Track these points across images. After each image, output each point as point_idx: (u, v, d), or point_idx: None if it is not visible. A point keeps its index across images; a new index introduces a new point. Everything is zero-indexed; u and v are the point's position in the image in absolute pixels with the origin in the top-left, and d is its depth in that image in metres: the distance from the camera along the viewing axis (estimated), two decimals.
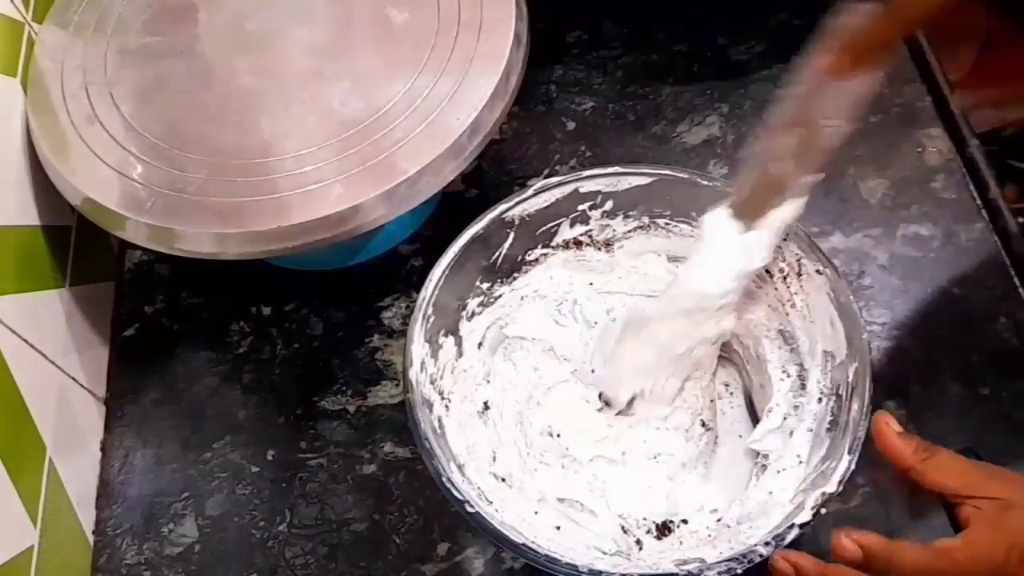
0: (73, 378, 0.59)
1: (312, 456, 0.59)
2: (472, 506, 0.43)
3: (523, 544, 0.43)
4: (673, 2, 0.75)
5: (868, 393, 0.45)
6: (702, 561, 0.42)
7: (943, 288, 0.60)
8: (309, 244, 0.52)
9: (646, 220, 0.56)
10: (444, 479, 0.44)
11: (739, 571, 0.41)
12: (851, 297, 0.48)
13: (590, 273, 0.59)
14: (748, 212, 0.48)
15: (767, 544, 0.42)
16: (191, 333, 0.64)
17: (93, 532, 0.57)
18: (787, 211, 0.48)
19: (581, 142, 0.69)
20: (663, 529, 0.51)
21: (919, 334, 0.59)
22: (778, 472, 0.50)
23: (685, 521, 0.51)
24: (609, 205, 0.55)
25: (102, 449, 0.60)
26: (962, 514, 0.40)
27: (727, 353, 0.57)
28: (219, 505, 0.58)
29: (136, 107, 0.56)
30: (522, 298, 0.58)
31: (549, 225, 0.56)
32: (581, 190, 0.54)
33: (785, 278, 0.52)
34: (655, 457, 0.54)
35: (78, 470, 0.57)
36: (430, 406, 0.49)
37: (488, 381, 0.56)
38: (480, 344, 0.56)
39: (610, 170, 0.53)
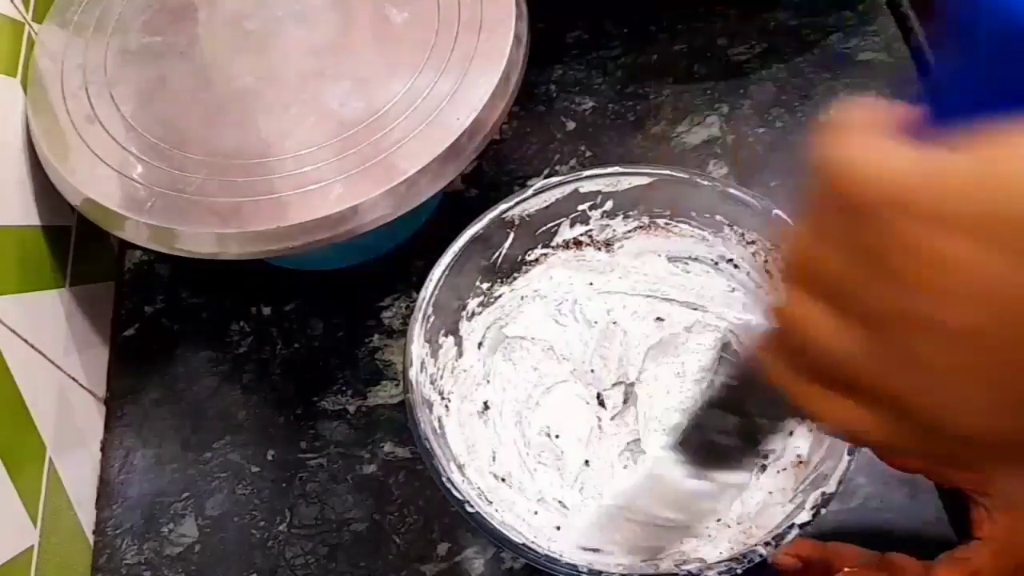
0: (73, 378, 0.59)
1: (312, 456, 0.59)
2: (472, 506, 0.43)
3: (523, 544, 0.43)
4: (673, 2, 0.75)
5: None
6: (702, 561, 0.42)
7: None
8: (309, 244, 0.52)
9: (646, 220, 0.56)
10: (444, 479, 0.44)
11: (739, 571, 0.41)
12: None
13: (590, 273, 0.59)
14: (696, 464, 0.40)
15: (767, 544, 0.42)
16: (191, 333, 0.64)
17: (93, 532, 0.58)
18: (732, 479, 0.41)
19: (581, 142, 0.69)
20: None
21: None
22: (778, 472, 0.50)
23: None
24: (609, 205, 0.55)
25: (102, 449, 0.60)
26: (974, 516, 0.39)
27: (729, 355, 0.57)
28: (219, 505, 0.58)
29: (136, 107, 0.56)
30: (522, 298, 0.58)
31: (549, 225, 0.56)
32: (581, 190, 0.54)
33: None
34: (655, 457, 0.54)
35: (78, 470, 0.57)
36: (430, 406, 0.49)
37: (488, 381, 0.56)
38: (480, 344, 0.56)
39: (610, 170, 0.54)
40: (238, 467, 0.59)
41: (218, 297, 0.65)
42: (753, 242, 0.53)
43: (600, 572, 0.41)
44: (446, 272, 0.51)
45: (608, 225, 0.57)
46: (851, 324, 0.23)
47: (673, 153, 0.68)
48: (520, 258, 0.56)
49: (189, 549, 0.56)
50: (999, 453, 0.22)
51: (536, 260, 0.57)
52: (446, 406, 0.52)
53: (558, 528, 0.51)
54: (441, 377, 0.52)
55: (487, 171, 0.68)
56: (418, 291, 0.51)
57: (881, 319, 0.22)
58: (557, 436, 0.54)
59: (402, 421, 0.59)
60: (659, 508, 0.43)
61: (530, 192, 0.53)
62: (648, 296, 0.58)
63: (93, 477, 0.59)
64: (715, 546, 0.45)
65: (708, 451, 0.37)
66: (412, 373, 0.48)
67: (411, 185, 0.52)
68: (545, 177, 0.68)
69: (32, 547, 0.51)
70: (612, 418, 0.56)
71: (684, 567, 0.42)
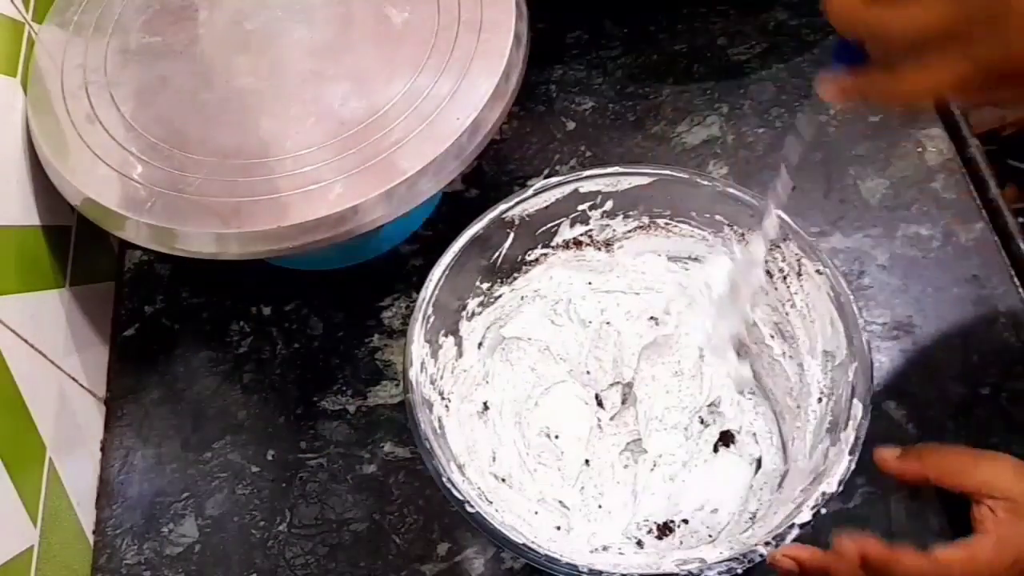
0: (73, 378, 0.59)
1: (312, 456, 0.59)
2: (472, 506, 0.43)
3: (523, 544, 0.43)
4: (673, 2, 0.75)
5: (868, 393, 0.45)
6: (702, 561, 0.42)
7: (943, 288, 0.60)
8: (309, 244, 0.52)
9: (646, 220, 0.56)
10: (444, 479, 0.44)
11: (739, 571, 0.41)
12: (851, 297, 0.48)
13: (590, 273, 0.59)
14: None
15: (767, 544, 0.42)
16: (191, 333, 0.64)
17: (93, 532, 0.58)
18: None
19: (581, 142, 0.69)
20: (664, 529, 0.51)
21: (919, 334, 0.59)
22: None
23: (686, 521, 0.51)
24: (609, 205, 0.55)
25: (102, 449, 0.60)
26: (976, 514, 0.40)
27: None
28: (219, 505, 0.58)
29: (136, 107, 0.56)
30: (522, 298, 0.58)
31: (549, 225, 0.56)
32: (581, 190, 0.54)
33: (785, 278, 0.52)
34: (656, 457, 0.54)
35: (78, 470, 0.57)
36: (430, 406, 0.49)
37: (487, 381, 0.56)
38: (480, 344, 0.56)
39: (610, 170, 0.53)
40: (238, 467, 0.59)
41: (218, 297, 0.65)
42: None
43: (600, 572, 0.41)
44: (446, 272, 0.51)
45: (608, 225, 0.57)
46: None
47: (673, 153, 0.68)
48: (520, 258, 0.56)
49: (189, 549, 0.56)
50: None
51: (536, 260, 0.57)
52: (446, 406, 0.52)
53: (558, 528, 0.51)
54: (441, 377, 0.52)
55: (487, 171, 0.68)
56: (418, 291, 0.51)
57: None
58: (557, 436, 0.54)
59: (402, 421, 0.59)
60: None
61: (530, 192, 0.53)
62: (644, 295, 0.58)
63: (93, 477, 0.59)
64: (715, 546, 0.45)
65: None
66: (412, 373, 0.48)
67: (411, 185, 0.52)
68: (545, 177, 0.68)
69: (32, 547, 0.51)
70: (611, 418, 0.56)
71: (685, 567, 0.42)
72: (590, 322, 0.58)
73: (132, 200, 0.52)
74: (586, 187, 0.54)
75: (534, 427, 0.55)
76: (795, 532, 0.42)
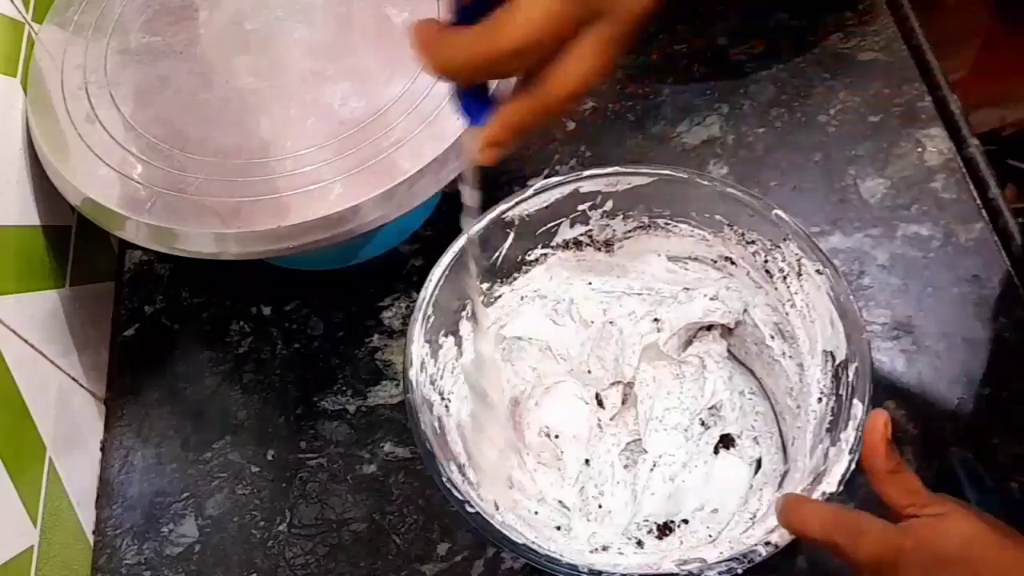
0: (73, 378, 0.59)
1: (312, 456, 0.59)
2: (472, 506, 0.43)
3: (523, 544, 0.43)
4: (673, 2, 0.75)
5: (868, 393, 0.45)
6: (702, 561, 0.42)
7: (943, 288, 0.60)
8: (309, 244, 0.52)
9: (646, 220, 0.56)
10: (444, 479, 0.44)
11: (739, 571, 0.41)
12: (851, 297, 0.48)
13: (589, 273, 0.58)
14: None
15: (767, 544, 0.42)
16: (191, 333, 0.64)
17: (93, 532, 0.58)
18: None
19: (581, 142, 0.69)
20: (664, 529, 0.51)
21: (919, 334, 0.59)
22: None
23: (686, 521, 0.51)
24: (609, 205, 0.55)
25: (102, 449, 0.60)
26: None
27: (743, 358, 0.57)
28: (219, 505, 0.58)
29: (136, 107, 0.56)
30: (522, 298, 0.58)
31: (549, 225, 0.56)
32: (581, 190, 0.54)
33: (785, 278, 0.52)
34: (656, 458, 0.54)
35: (78, 470, 0.57)
36: (430, 406, 0.49)
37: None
38: None
39: (610, 170, 0.53)
40: (238, 467, 0.59)
41: (218, 297, 0.65)
42: (753, 242, 0.53)
43: (600, 572, 0.41)
44: (446, 272, 0.51)
45: (608, 225, 0.57)
46: None
47: (673, 153, 0.68)
48: (520, 258, 0.56)
49: (189, 549, 0.56)
50: None
51: (536, 260, 0.57)
52: (446, 406, 0.51)
53: (558, 528, 0.51)
54: (441, 377, 0.52)
55: (487, 171, 0.68)
56: (418, 291, 0.51)
57: None
58: (557, 436, 0.54)
59: (402, 421, 0.59)
60: None
61: (530, 192, 0.53)
62: (645, 295, 0.58)
63: (93, 477, 0.59)
64: (715, 546, 0.45)
65: None
66: (412, 373, 0.48)
67: (411, 185, 0.52)
68: (545, 177, 0.67)
69: (32, 547, 0.51)
70: (612, 418, 0.56)
71: (685, 567, 0.42)
72: (592, 322, 0.58)
73: (132, 200, 0.52)
74: (586, 187, 0.54)
75: (534, 427, 0.55)
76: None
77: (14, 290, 0.53)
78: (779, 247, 0.51)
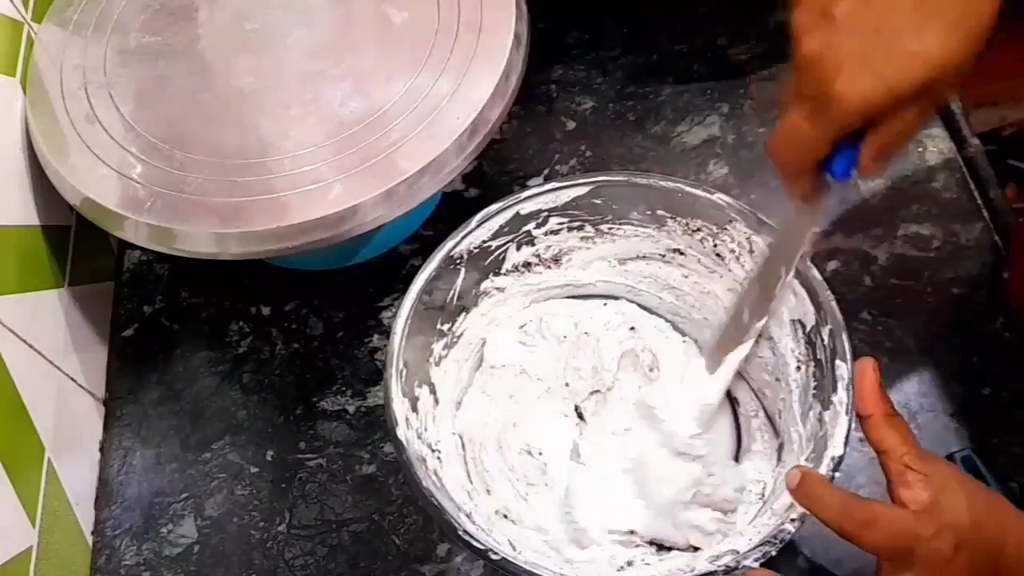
0: (72, 378, 0.59)
1: (312, 456, 0.59)
2: (496, 553, 0.43)
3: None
4: (673, 2, 0.75)
5: (849, 352, 0.45)
6: (735, 552, 0.42)
7: (943, 288, 0.60)
8: (308, 244, 0.52)
9: (591, 231, 0.56)
10: (460, 532, 0.43)
11: (773, 552, 0.41)
12: (809, 263, 0.48)
13: (541, 292, 0.58)
14: (713, 355, 0.52)
15: (793, 520, 0.42)
16: (190, 333, 0.64)
17: (92, 533, 0.57)
18: (741, 352, 0.52)
19: (581, 142, 0.69)
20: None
21: (920, 334, 0.59)
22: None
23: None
24: (552, 222, 0.55)
25: (101, 449, 0.60)
26: (897, 497, 0.41)
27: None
28: (218, 505, 0.57)
29: (135, 107, 0.56)
30: (484, 329, 0.57)
31: (496, 253, 0.55)
32: (522, 212, 0.54)
33: (738, 258, 0.52)
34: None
35: (77, 470, 0.57)
36: (424, 462, 0.47)
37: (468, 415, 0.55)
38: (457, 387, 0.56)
39: (547, 187, 0.53)
40: (237, 467, 0.59)
41: (217, 297, 0.65)
42: (699, 229, 0.53)
43: None
44: (408, 320, 0.50)
45: (554, 242, 0.56)
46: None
47: (673, 153, 0.68)
48: (474, 291, 0.56)
49: (188, 550, 0.56)
50: None
51: (488, 292, 0.56)
52: (439, 458, 0.51)
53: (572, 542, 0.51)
54: (425, 429, 0.51)
55: (487, 171, 0.68)
56: None
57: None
58: (540, 453, 0.54)
59: None
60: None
61: (474, 224, 0.52)
62: (613, 304, 0.58)
63: (92, 477, 0.59)
64: (742, 534, 0.45)
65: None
66: (400, 432, 0.47)
67: (411, 185, 0.52)
68: (545, 177, 0.68)
69: (31, 548, 0.51)
70: (591, 424, 0.55)
71: (719, 561, 0.42)
72: (565, 337, 0.57)
73: (131, 200, 0.52)
74: (527, 208, 0.54)
75: (514, 448, 0.54)
76: None
77: (13, 290, 0.53)
78: (726, 229, 0.52)
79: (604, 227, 0.56)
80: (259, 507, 0.57)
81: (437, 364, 0.54)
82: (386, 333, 0.62)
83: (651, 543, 0.51)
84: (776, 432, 0.52)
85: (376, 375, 0.61)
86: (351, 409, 0.60)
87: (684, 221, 0.53)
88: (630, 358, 0.56)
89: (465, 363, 0.56)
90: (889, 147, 0.40)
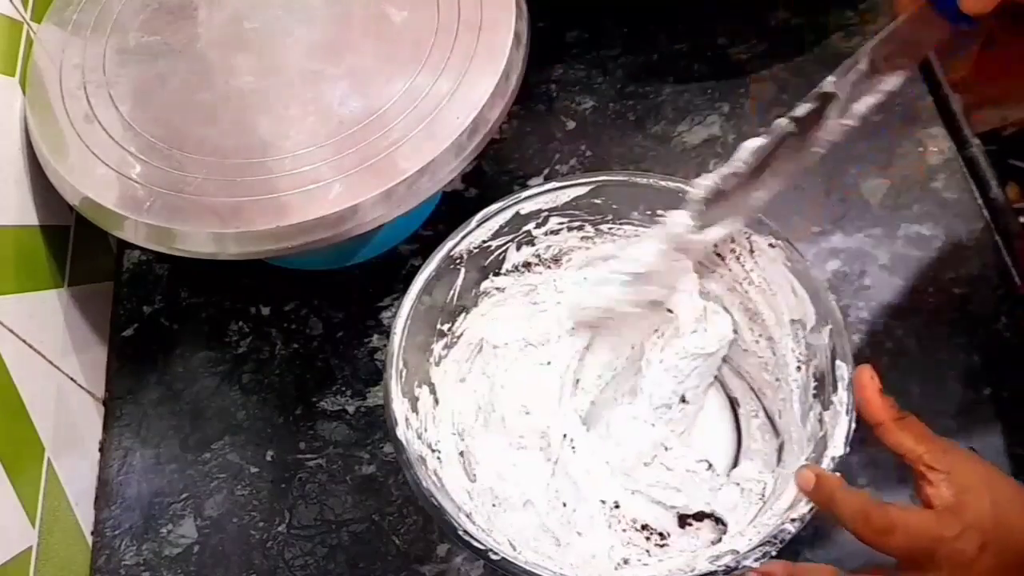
0: (72, 378, 0.59)
1: (311, 456, 0.58)
2: (496, 553, 0.43)
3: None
4: (673, 2, 0.75)
5: (849, 352, 0.45)
6: (735, 552, 0.42)
7: (944, 288, 0.60)
8: (308, 244, 0.51)
9: (591, 231, 0.56)
10: (460, 532, 0.43)
11: (774, 553, 0.41)
12: (808, 264, 0.48)
13: (543, 292, 0.58)
14: (705, 218, 0.50)
15: (793, 520, 0.42)
16: (190, 333, 0.64)
17: (92, 533, 0.57)
18: (736, 224, 0.50)
19: (581, 142, 0.69)
20: (683, 522, 0.51)
21: (920, 334, 0.59)
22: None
23: (689, 522, 0.51)
24: (552, 222, 0.55)
25: (101, 449, 0.60)
26: (921, 494, 0.41)
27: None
28: (218, 506, 0.57)
29: (135, 106, 0.56)
30: (484, 329, 0.57)
31: (496, 253, 0.55)
32: (522, 212, 0.54)
33: (738, 258, 0.52)
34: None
35: (77, 470, 0.57)
36: (424, 462, 0.48)
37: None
38: (462, 380, 0.56)
39: (547, 187, 0.53)
40: (237, 467, 0.59)
41: (217, 297, 0.65)
42: None
43: None
44: (408, 320, 0.50)
45: (554, 241, 0.56)
46: None
47: (673, 153, 0.68)
48: (474, 291, 0.56)
49: (188, 550, 0.56)
50: None
51: (488, 292, 0.56)
52: (439, 458, 0.51)
53: (558, 545, 0.51)
54: (425, 430, 0.51)
55: (487, 171, 0.68)
56: None
57: None
58: (528, 413, 0.54)
59: None
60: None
61: (473, 224, 0.53)
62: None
63: (92, 477, 0.59)
64: (742, 534, 0.45)
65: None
66: (400, 432, 0.47)
67: (411, 185, 0.52)
68: (545, 177, 0.67)
69: (31, 548, 0.51)
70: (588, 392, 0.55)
71: (719, 562, 0.42)
72: (585, 278, 0.57)
73: (131, 200, 0.52)
74: (527, 208, 0.54)
75: (509, 409, 0.54)
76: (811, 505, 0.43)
77: (13, 290, 0.53)
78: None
79: (604, 227, 0.56)
80: (259, 507, 0.57)
81: (437, 364, 0.54)
82: (386, 333, 0.62)
83: (643, 528, 0.51)
84: (776, 432, 0.52)
85: (376, 375, 0.61)
86: (351, 409, 0.60)
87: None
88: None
89: (465, 363, 0.56)
90: None
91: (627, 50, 0.73)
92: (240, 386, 0.61)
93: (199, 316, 0.64)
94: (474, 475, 0.53)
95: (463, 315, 0.56)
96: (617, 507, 0.52)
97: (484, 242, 0.54)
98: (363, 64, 0.57)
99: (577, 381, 0.56)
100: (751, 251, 0.51)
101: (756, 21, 0.73)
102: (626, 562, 0.49)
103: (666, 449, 0.52)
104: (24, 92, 0.57)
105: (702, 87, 0.71)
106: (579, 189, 0.54)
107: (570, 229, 0.56)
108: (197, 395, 0.61)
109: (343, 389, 0.61)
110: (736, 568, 0.41)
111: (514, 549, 0.47)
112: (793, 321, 0.50)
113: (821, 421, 0.46)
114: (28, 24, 0.59)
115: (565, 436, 0.54)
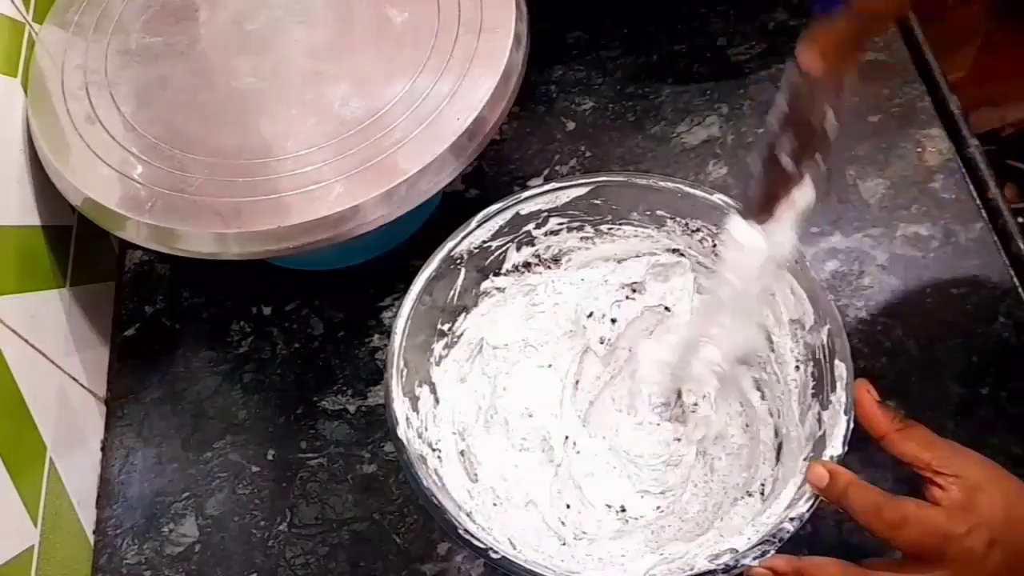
0: (73, 378, 0.59)
1: (312, 456, 0.59)
2: (497, 552, 0.43)
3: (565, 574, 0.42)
4: (673, 2, 0.75)
5: (848, 352, 0.46)
6: (734, 551, 0.42)
7: (943, 288, 0.60)
8: (309, 244, 0.52)
9: (591, 231, 0.56)
10: (461, 531, 0.43)
11: (772, 552, 0.41)
12: (806, 263, 0.48)
13: (542, 293, 0.58)
14: (761, 211, 0.48)
15: (792, 519, 0.42)
16: (192, 333, 0.64)
17: (93, 532, 0.58)
18: (799, 200, 0.47)
19: (581, 142, 0.69)
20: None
21: (919, 334, 0.59)
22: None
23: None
24: (552, 222, 0.55)
25: (102, 449, 0.60)
26: (931, 495, 0.41)
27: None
28: (219, 505, 0.58)
29: (136, 107, 0.56)
30: (484, 329, 0.57)
31: (496, 253, 0.55)
32: (522, 212, 0.54)
33: None
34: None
35: (78, 470, 0.57)
36: (424, 461, 0.48)
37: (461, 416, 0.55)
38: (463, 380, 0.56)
39: (547, 187, 0.53)
40: (238, 467, 0.59)
41: (218, 297, 0.65)
42: (698, 229, 0.53)
43: None
44: (408, 321, 0.50)
45: (554, 242, 0.57)
46: None
47: (673, 153, 0.68)
48: (474, 291, 0.56)
49: (189, 549, 0.56)
50: None
51: (489, 292, 0.57)
52: (439, 457, 0.51)
53: (563, 544, 0.51)
54: (426, 429, 0.51)
55: (487, 171, 0.68)
56: None
57: None
58: (531, 416, 0.54)
59: None
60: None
61: (473, 224, 0.53)
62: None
63: (93, 477, 0.59)
64: (741, 533, 0.46)
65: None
66: (401, 431, 0.47)
67: (411, 185, 0.52)
68: (545, 178, 0.68)
69: (33, 547, 0.51)
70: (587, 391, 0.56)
71: (718, 560, 0.42)
72: (583, 279, 0.57)
73: (132, 200, 0.52)
74: (527, 208, 0.54)
75: (513, 411, 0.54)
76: (813, 501, 0.43)
77: (14, 290, 0.53)
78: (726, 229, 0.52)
79: (604, 227, 0.56)
80: (260, 506, 0.57)
81: (437, 364, 0.54)
82: (386, 333, 0.62)
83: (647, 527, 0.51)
84: (775, 432, 0.53)
85: (377, 375, 0.61)
86: (352, 409, 0.60)
87: (684, 221, 0.54)
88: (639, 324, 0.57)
89: (466, 363, 0.57)
90: None
91: (627, 51, 0.73)
92: (241, 385, 0.62)
93: (201, 316, 0.65)
94: (475, 475, 0.53)
95: (463, 315, 0.56)
96: (623, 510, 0.52)
97: (484, 242, 0.54)
98: (364, 65, 0.57)
99: (577, 382, 0.57)
100: None
101: (756, 21, 0.73)
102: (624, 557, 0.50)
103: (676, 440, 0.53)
104: (26, 93, 0.57)
105: (701, 88, 0.71)
106: (579, 190, 0.54)
107: (570, 230, 0.56)
108: (199, 395, 0.62)
109: (344, 388, 0.61)
110: (735, 567, 0.41)
111: (514, 548, 0.47)
112: (792, 321, 0.50)
113: (820, 420, 0.46)
114: (30, 25, 0.59)
115: (567, 439, 0.54)
